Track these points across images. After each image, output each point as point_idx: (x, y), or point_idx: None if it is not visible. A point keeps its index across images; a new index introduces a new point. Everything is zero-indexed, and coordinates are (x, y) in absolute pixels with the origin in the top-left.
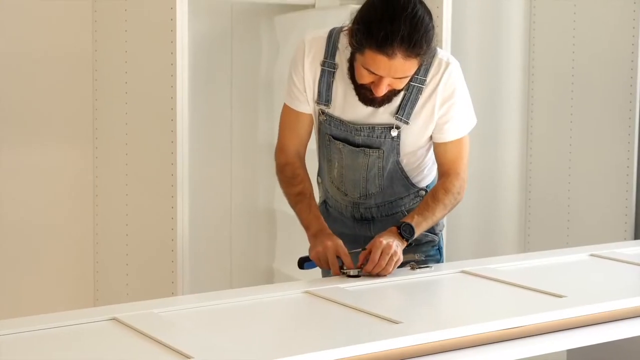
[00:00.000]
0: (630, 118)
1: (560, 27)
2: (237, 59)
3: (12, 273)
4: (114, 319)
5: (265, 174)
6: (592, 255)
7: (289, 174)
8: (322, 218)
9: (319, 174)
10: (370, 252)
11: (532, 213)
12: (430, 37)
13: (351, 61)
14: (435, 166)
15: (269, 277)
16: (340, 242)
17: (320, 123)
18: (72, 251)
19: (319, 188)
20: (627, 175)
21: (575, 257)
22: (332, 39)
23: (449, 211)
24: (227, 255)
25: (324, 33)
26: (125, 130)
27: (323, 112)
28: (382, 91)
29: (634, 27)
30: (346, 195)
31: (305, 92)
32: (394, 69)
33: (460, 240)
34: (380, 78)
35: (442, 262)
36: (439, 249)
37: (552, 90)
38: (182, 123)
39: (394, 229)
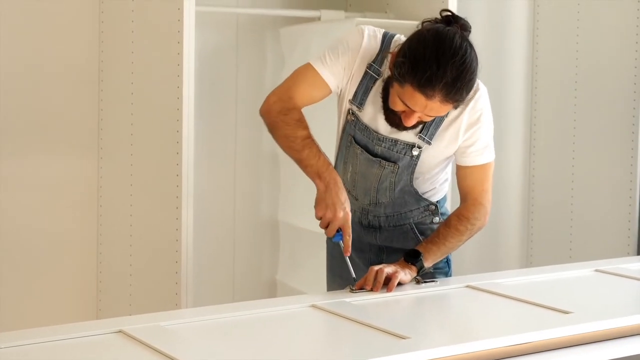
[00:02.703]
0: (633, 132)
1: (564, 37)
2: (243, 70)
3: (15, 283)
4: (120, 331)
5: (269, 186)
6: (597, 270)
7: (297, 117)
8: (332, 166)
9: None
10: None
11: (535, 226)
12: (471, 86)
13: (386, 84)
14: (447, 184)
15: (272, 288)
16: (349, 216)
17: (346, 122)
18: (76, 261)
19: None
20: (631, 189)
21: (580, 272)
22: (384, 44)
23: (466, 237)
24: (231, 267)
25: (379, 33)
26: (130, 141)
27: (352, 113)
28: (411, 123)
29: (637, 42)
30: (357, 200)
31: (345, 70)
32: (429, 109)
33: (463, 254)
34: (413, 111)
35: (450, 274)
36: (447, 261)
37: (555, 103)
38: (187, 133)
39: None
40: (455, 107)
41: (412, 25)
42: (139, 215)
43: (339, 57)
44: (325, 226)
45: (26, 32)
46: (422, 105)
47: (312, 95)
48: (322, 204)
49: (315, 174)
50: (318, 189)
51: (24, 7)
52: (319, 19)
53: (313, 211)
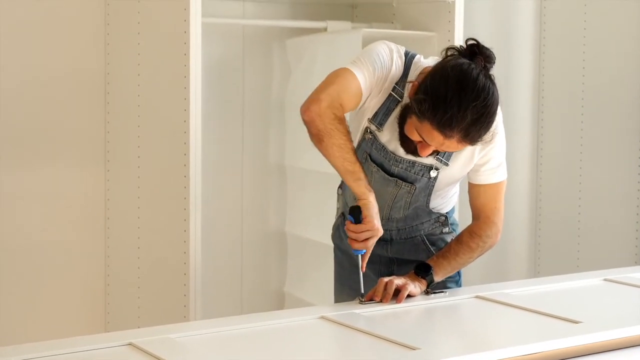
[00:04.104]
0: None
1: (571, 45)
2: (249, 81)
3: (22, 296)
4: (129, 344)
5: (276, 197)
6: (606, 280)
7: (348, 127)
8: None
9: (340, 186)
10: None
11: (542, 236)
12: (489, 128)
13: (404, 111)
14: (456, 195)
15: (279, 300)
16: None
17: (363, 139)
18: (83, 273)
19: (337, 199)
20: (638, 198)
21: (589, 281)
22: (406, 66)
23: (477, 254)
24: (238, 278)
25: (402, 51)
26: (137, 153)
27: (370, 132)
28: (426, 154)
29: None
30: None
31: (375, 85)
32: (446, 146)
33: (471, 264)
34: (429, 144)
35: (461, 283)
36: (458, 271)
37: (562, 112)
38: (194, 145)
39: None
40: (472, 145)
41: (418, 35)
42: (146, 226)
43: (376, 72)
44: (363, 239)
45: (31, 43)
46: (439, 143)
47: (353, 105)
48: (376, 217)
49: (366, 188)
50: (369, 202)
51: (28, 18)
52: (325, 29)
53: (320, 222)
